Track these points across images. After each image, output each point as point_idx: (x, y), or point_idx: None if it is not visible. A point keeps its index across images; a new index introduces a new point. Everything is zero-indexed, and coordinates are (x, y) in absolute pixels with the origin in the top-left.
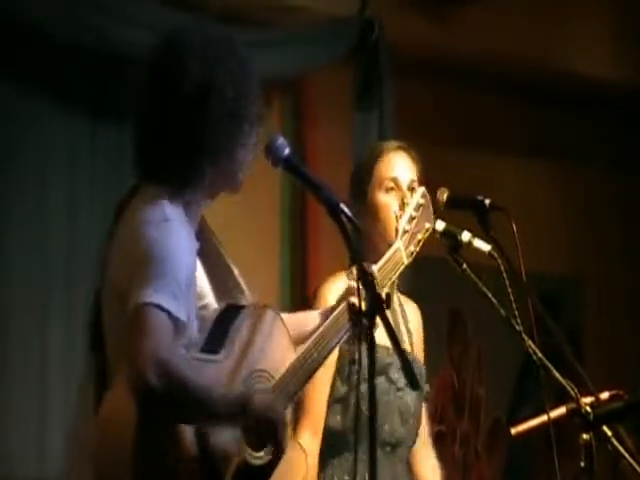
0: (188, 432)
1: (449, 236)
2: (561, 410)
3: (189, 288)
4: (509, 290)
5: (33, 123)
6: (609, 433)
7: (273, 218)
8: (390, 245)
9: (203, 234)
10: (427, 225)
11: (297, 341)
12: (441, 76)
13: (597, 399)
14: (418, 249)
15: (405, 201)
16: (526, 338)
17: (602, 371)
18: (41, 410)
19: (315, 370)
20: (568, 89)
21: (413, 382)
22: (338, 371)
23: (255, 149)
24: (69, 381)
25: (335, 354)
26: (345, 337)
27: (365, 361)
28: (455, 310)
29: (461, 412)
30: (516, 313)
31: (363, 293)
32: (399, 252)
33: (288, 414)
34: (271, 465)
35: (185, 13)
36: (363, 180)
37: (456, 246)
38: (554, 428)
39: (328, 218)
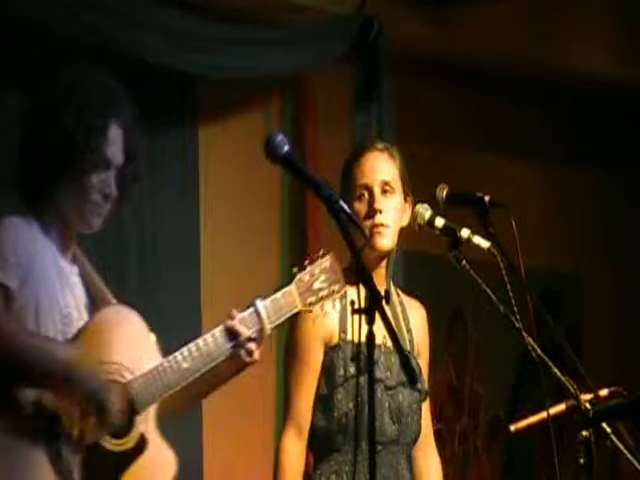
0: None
1: (448, 232)
2: (560, 407)
3: (27, 276)
4: (508, 287)
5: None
6: (608, 430)
7: (273, 216)
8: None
9: (77, 261)
10: (334, 287)
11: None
12: (441, 75)
13: (596, 396)
14: (316, 303)
15: (375, 206)
16: (525, 335)
17: (602, 368)
18: None
19: (190, 379)
20: (568, 88)
21: (411, 378)
22: (322, 370)
23: (110, 196)
24: None
25: (320, 354)
26: (223, 357)
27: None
28: (455, 307)
29: (460, 409)
30: (515, 310)
31: (362, 289)
32: (291, 296)
33: (151, 414)
34: (130, 455)
35: (187, 13)
36: (342, 189)
37: (455, 242)
38: (554, 425)
39: (328, 216)
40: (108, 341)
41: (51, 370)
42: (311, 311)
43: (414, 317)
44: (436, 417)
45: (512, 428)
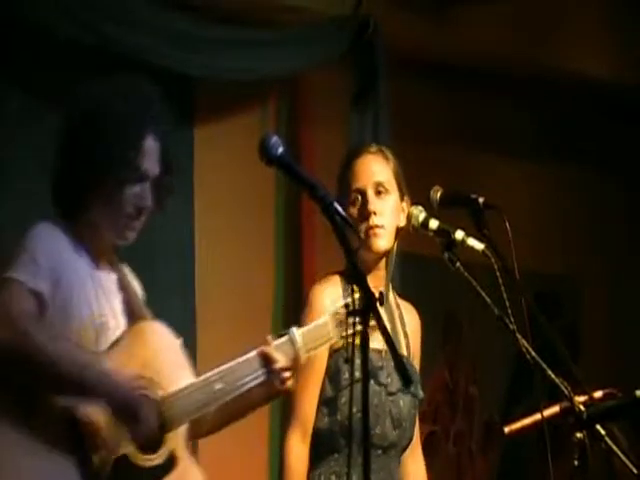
0: (55, 411)
1: (443, 234)
2: (555, 409)
3: (58, 282)
4: (503, 289)
5: (32, 122)
6: (602, 432)
7: (267, 218)
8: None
9: (115, 269)
10: (331, 335)
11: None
12: (438, 75)
13: (591, 398)
14: (339, 340)
15: (369, 208)
16: (520, 337)
17: (599, 369)
18: None
19: (220, 401)
20: (567, 89)
21: (406, 381)
22: (327, 372)
23: (148, 209)
24: None
25: (325, 355)
26: (257, 382)
27: (357, 362)
28: (449, 310)
29: (455, 411)
30: (510, 312)
31: (357, 292)
32: (326, 327)
33: (181, 432)
34: (160, 471)
35: (185, 14)
36: (339, 193)
37: (450, 244)
38: (548, 427)
39: (323, 217)
40: (142, 356)
41: (84, 380)
42: (343, 346)
43: (410, 322)
44: (431, 419)
45: (506, 430)
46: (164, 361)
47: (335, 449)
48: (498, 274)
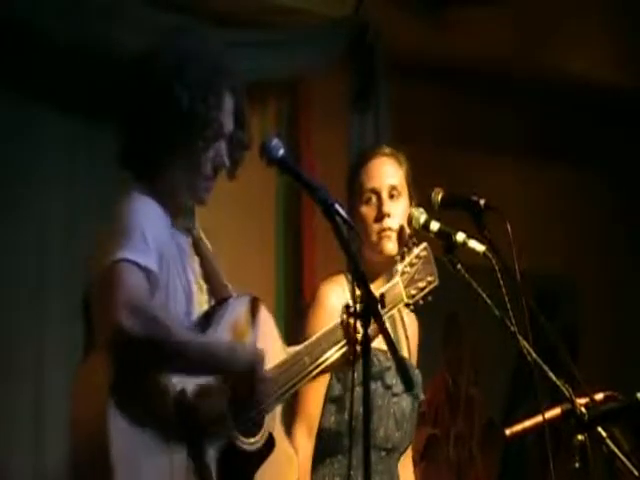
0: (168, 397)
1: (444, 236)
2: (556, 411)
3: (162, 257)
4: (503, 290)
5: (32, 125)
6: (604, 434)
7: (268, 218)
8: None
9: (199, 247)
10: (429, 278)
11: None
12: (438, 77)
13: (592, 400)
14: (420, 298)
15: (384, 210)
16: (520, 338)
17: (598, 370)
18: (37, 411)
19: (306, 376)
20: (566, 90)
21: (408, 383)
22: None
23: (222, 167)
24: (66, 381)
25: None
26: (340, 352)
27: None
28: (450, 311)
29: (455, 413)
30: (510, 313)
31: (358, 294)
32: (398, 288)
33: (277, 413)
34: (261, 454)
35: (183, 16)
36: (349, 191)
37: (451, 246)
38: (549, 429)
39: (323, 218)
40: (241, 333)
41: (213, 355)
42: (414, 304)
43: (410, 324)
44: (431, 421)
45: (507, 432)
46: (263, 338)
47: (339, 450)
48: (499, 275)
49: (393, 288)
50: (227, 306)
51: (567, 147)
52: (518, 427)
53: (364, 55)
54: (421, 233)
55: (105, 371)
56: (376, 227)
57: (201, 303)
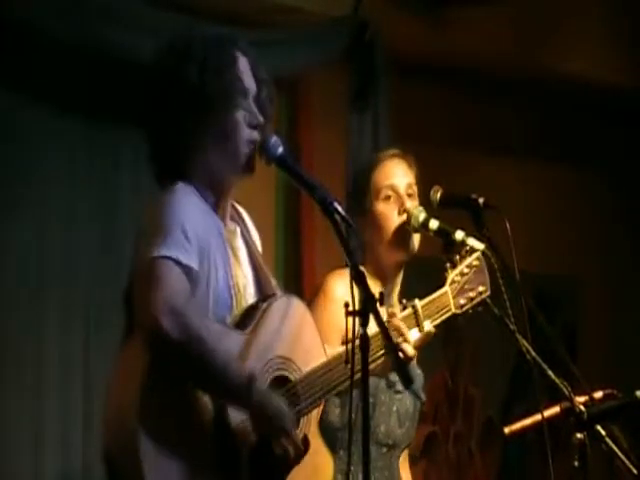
0: (204, 396)
1: (443, 235)
2: (555, 409)
3: (203, 251)
4: (503, 289)
5: (32, 125)
6: (603, 432)
7: (268, 217)
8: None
9: (236, 219)
10: (481, 288)
11: None
12: (437, 76)
13: (591, 398)
14: (470, 307)
15: (405, 207)
16: (520, 337)
17: (598, 370)
18: (37, 411)
19: (344, 381)
20: (566, 90)
21: (406, 380)
22: None
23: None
24: (65, 382)
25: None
26: (379, 361)
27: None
28: None
29: (455, 412)
30: (510, 312)
31: (357, 291)
32: (446, 297)
33: (313, 416)
34: (291, 459)
35: (184, 16)
36: (361, 191)
37: (450, 245)
38: (548, 427)
39: (322, 216)
40: (277, 333)
41: (232, 383)
42: (463, 314)
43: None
44: (431, 420)
45: (506, 431)
46: (301, 339)
47: (343, 446)
48: (498, 274)
49: (441, 297)
50: (268, 308)
51: (567, 147)
52: (517, 425)
53: (363, 54)
54: (420, 231)
55: (140, 362)
56: (399, 221)
57: (245, 294)
